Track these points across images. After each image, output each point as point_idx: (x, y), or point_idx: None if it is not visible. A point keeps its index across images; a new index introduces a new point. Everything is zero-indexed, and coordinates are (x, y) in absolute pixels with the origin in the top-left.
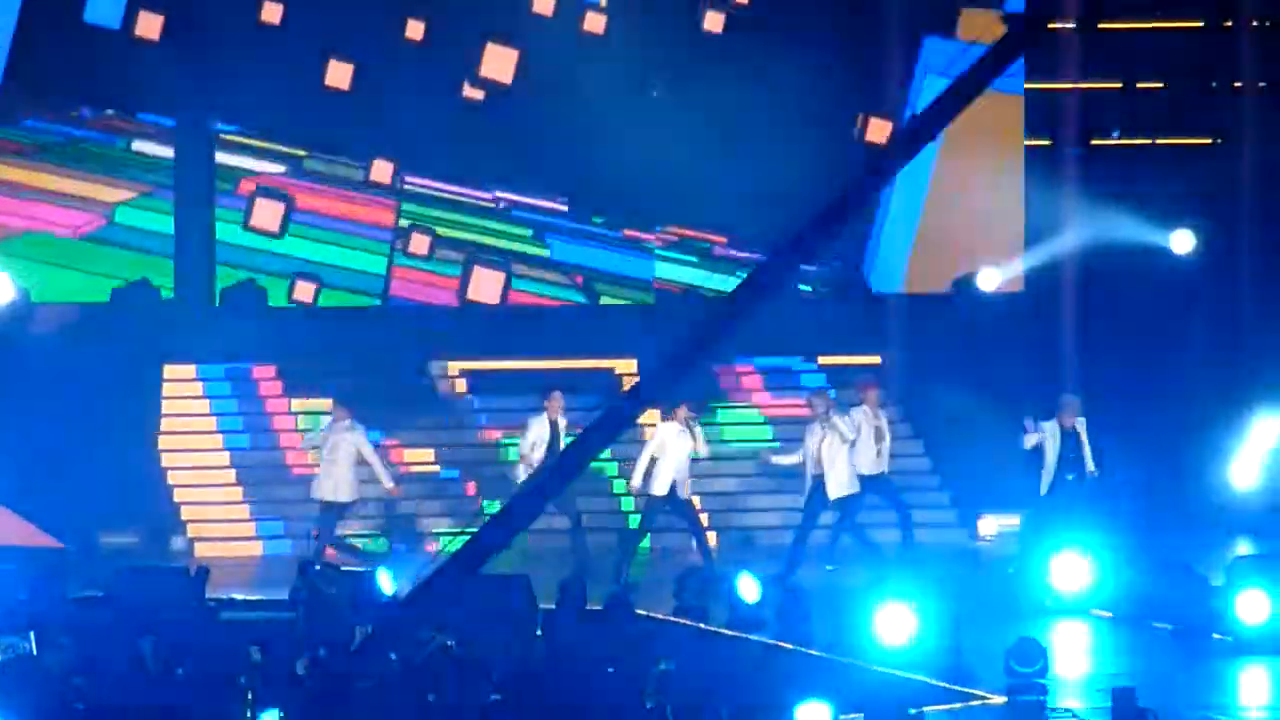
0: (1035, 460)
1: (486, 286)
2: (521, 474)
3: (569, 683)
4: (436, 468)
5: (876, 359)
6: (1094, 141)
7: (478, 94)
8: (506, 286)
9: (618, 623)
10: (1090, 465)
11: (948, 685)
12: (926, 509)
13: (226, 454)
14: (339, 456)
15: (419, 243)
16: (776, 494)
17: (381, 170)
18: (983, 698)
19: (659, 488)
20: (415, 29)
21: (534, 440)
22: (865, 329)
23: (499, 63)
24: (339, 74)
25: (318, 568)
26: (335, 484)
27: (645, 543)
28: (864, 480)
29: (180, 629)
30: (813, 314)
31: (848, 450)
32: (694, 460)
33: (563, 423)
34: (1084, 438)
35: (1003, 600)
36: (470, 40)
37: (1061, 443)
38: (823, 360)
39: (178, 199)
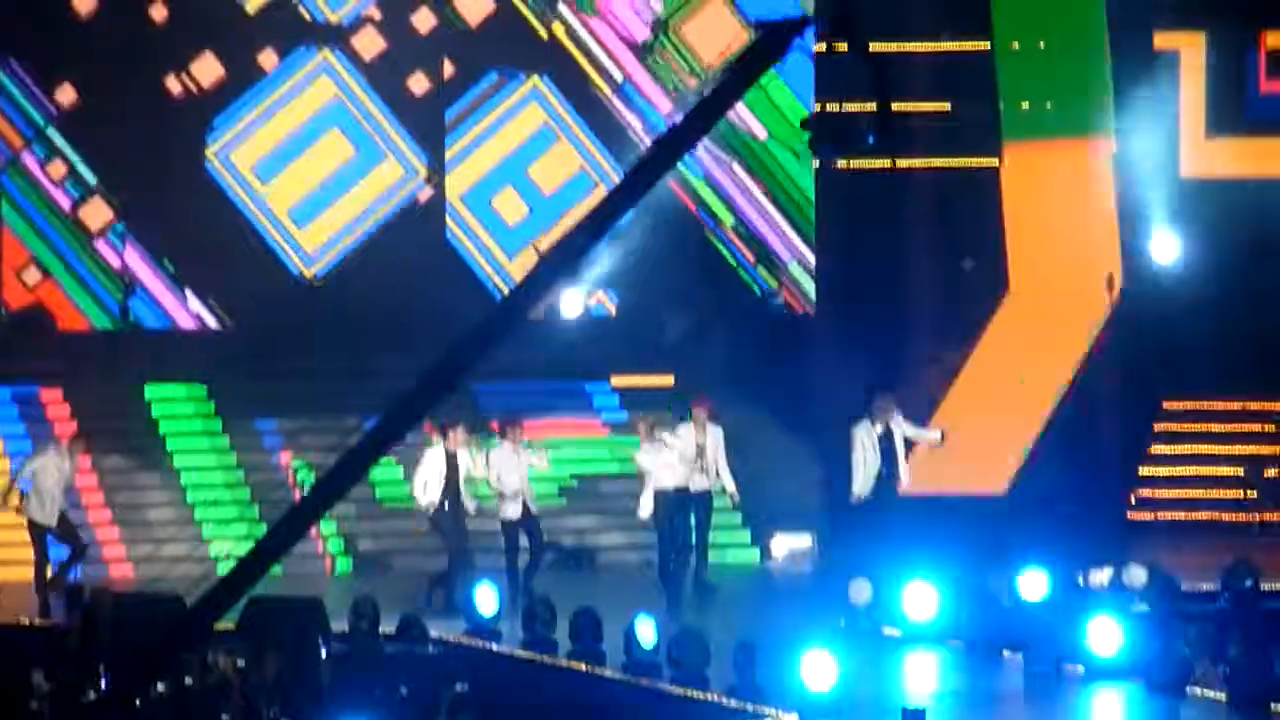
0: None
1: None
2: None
3: (360, 705)
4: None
5: (670, 379)
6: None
7: (176, 87)
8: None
9: (410, 644)
10: (903, 465)
11: (740, 704)
12: (720, 529)
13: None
14: (44, 481)
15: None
16: (593, 514)
17: (66, 92)
18: (774, 714)
19: (511, 511)
20: (159, 11)
21: (426, 478)
22: (656, 349)
23: (206, 69)
24: (85, 3)
25: (90, 592)
26: (42, 506)
27: None
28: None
29: None
30: (603, 336)
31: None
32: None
33: (464, 456)
34: (897, 438)
35: (798, 620)
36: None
37: (879, 443)
38: (616, 382)
39: None
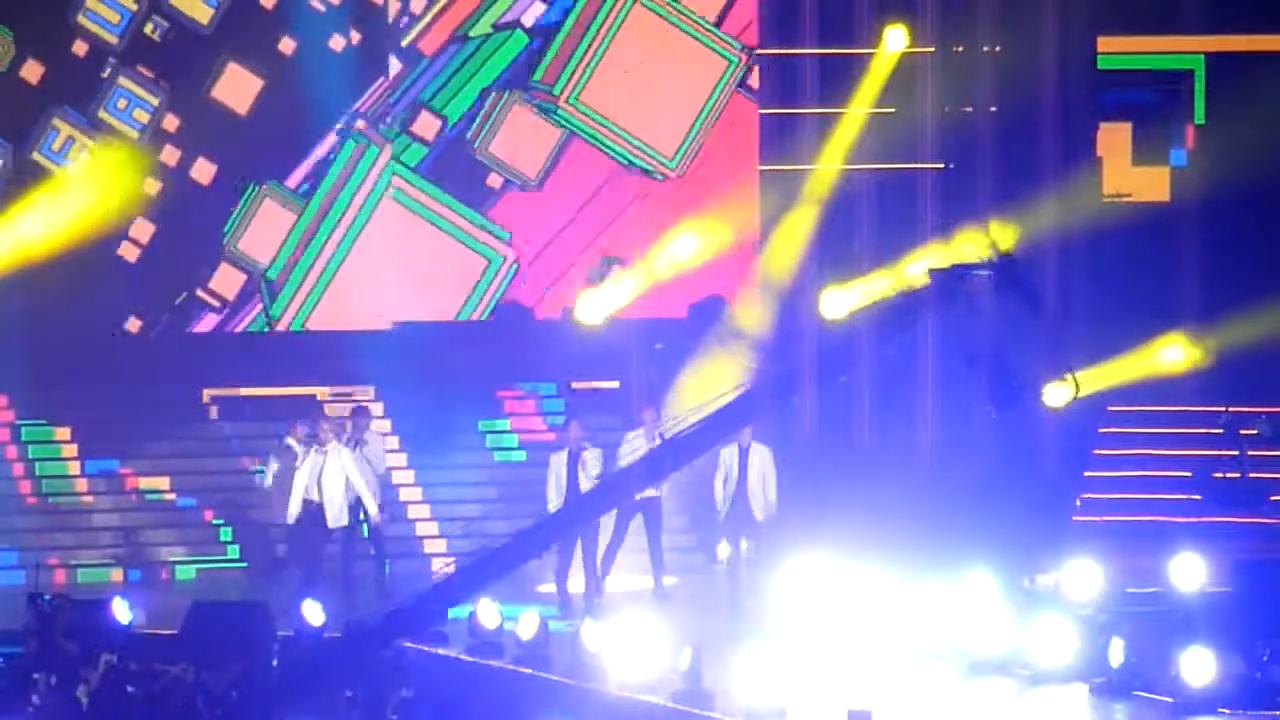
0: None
1: None
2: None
3: (306, 709)
4: (173, 495)
5: (615, 384)
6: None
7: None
8: None
9: (357, 649)
10: (752, 480)
11: (687, 708)
12: (668, 533)
13: None
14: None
15: None
16: (518, 519)
17: None
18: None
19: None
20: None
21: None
22: (604, 355)
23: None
24: None
25: (47, 599)
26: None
27: None
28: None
29: None
30: (556, 341)
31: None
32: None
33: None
34: (751, 453)
35: (741, 623)
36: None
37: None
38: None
39: None
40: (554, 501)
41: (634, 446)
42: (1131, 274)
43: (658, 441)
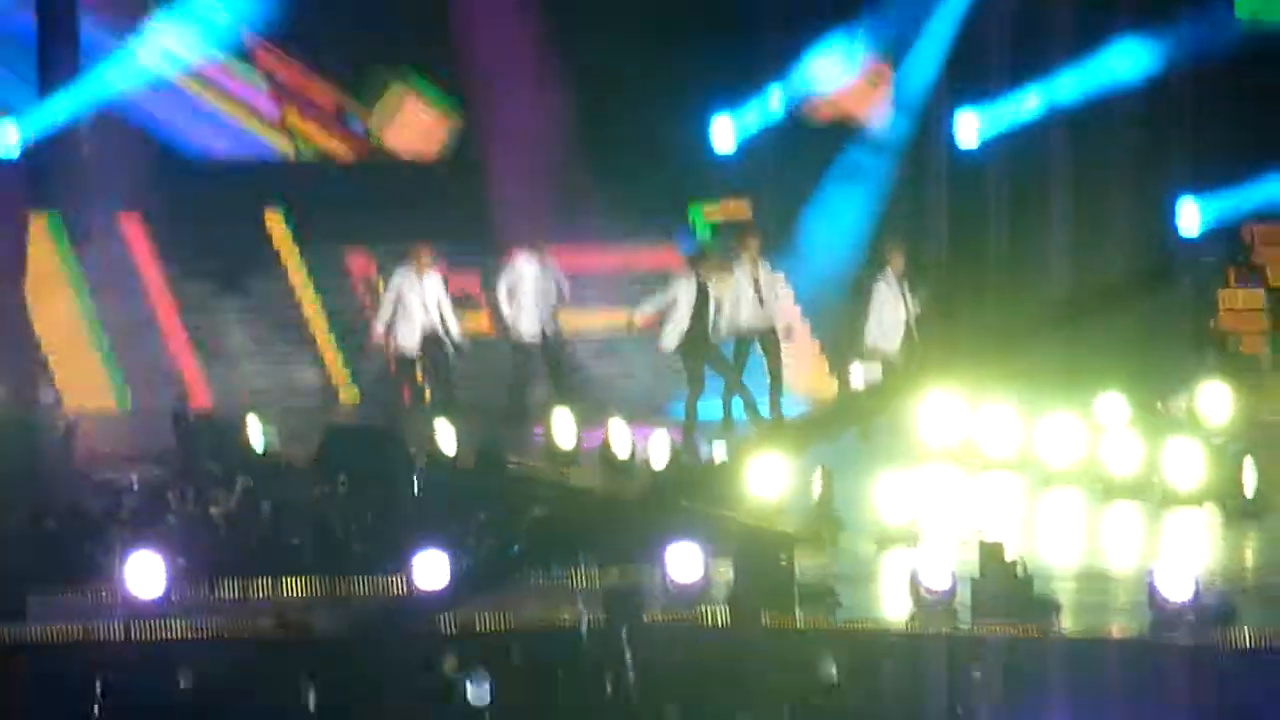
0: None
1: None
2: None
3: (438, 531)
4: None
5: (744, 208)
6: None
7: None
8: None
9: (490, 473)
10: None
11: (818, 533)
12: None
13: (93, 305)
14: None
15: None
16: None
17: None
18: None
19: (670, 342)
20: None
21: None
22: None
23: None
24: None
25: (190, 418)
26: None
27: None
28: (745, 333)
29: (50, 482)
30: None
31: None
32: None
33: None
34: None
35: (870, 450)
36: None
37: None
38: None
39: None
40: (670, 335)
41: (738, 278)
42: None
43: (760, 272)
